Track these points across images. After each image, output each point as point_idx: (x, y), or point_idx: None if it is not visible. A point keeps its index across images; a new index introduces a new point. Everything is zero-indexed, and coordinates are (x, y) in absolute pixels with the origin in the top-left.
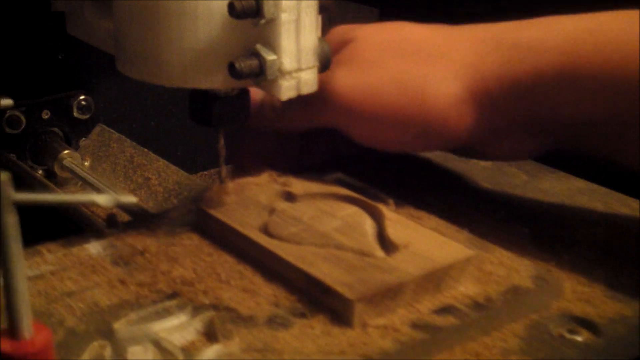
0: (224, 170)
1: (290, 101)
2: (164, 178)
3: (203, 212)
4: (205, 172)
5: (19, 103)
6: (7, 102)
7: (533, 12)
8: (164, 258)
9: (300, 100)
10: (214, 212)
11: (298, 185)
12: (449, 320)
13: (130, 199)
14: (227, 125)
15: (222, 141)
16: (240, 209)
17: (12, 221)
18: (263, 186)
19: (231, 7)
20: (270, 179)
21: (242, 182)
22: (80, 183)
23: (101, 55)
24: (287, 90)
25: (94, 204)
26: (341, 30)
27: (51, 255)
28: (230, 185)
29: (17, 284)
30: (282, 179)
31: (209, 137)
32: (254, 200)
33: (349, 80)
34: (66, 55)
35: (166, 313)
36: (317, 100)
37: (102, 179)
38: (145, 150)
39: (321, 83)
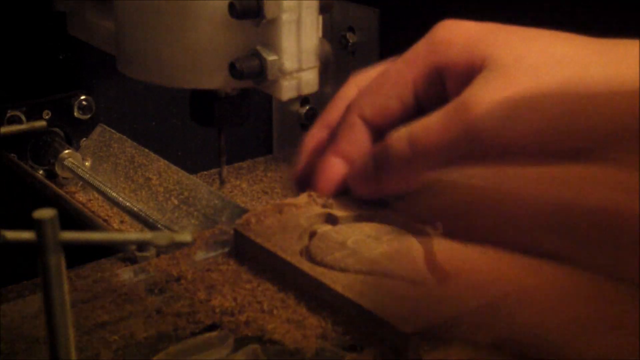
0: (225, 170)
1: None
2: (165, 178)
3: (240, 235)
4: (205, 172)
5: (19, 103)
6: (41, 123)
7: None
8: (201, 285)
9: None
10: (252, 236)
11: (339, 207)
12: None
13: (186, 237)
14: (228, 126)
15: (222, 141)
16: (279, 233)
17: (57, 264)
18: (302, 208)
19: (232, 8)
20: (310, 200)
21: (280, 204)
22: (80, 183)
23: (102, 56)
24: (287, 90)
25: (148, 244)
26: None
27: (81, 282)
28: (269, 207)
29: (61, 334)
30: (322, 200)
31: (209, 137)
32: (293, 223)
33: None
34: (67, 55)
35: (207, 346)
36: None
37: (102, 179)
38: (146, 150)
39: None
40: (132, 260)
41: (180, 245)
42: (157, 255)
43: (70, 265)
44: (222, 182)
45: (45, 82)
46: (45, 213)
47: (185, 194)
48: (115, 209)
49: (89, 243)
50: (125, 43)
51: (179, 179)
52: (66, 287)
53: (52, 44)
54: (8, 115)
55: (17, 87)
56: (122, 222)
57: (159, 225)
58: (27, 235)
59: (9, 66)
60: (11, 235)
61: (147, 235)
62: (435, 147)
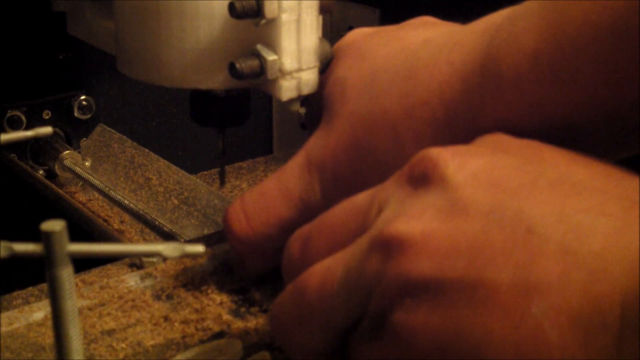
0: (225, 170)
1: None
2: (165, 178)
3: None
4: (205, 172)
5: (19, 103)
6: (47, 130)
7: None
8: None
9: None
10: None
11: None
12: None
13: (197, 249)
14: (227, 125)
15: (222, 141)
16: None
17: (65, 276)
18: None
19: (231, 8)
20: None
21: None
22: (80, 183)
23: (102, 56)
24: (287, 90)
25: (158, 255)
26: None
27: (87, 288)
28: None
29: (70, 347)
30: None
31: (209, 137)
32: None
33: None
34: (67, 55)
35: (215, 353)
36: None
37: (102, 179)
38: (146, 150)
39: None
40: (139, 266)
41: (191, 256)
42: (164, 260)
43: (75, 270)
44: (222, 182)
45: (45, 82)
46: (53, 225)
47: (185, 194)
48: (115, 209)
49: (98, 255)
50: (125, 43)
51: (179, 179)
52: (75, 299)
53: (52, 44)
54: (8, 115)
55: (17, 87)
56: (122, 222)
57: (157, 224)
58: (34, 247)
59: (9, 66)
60: (19, 247)
61: (158, 246)
62: None
